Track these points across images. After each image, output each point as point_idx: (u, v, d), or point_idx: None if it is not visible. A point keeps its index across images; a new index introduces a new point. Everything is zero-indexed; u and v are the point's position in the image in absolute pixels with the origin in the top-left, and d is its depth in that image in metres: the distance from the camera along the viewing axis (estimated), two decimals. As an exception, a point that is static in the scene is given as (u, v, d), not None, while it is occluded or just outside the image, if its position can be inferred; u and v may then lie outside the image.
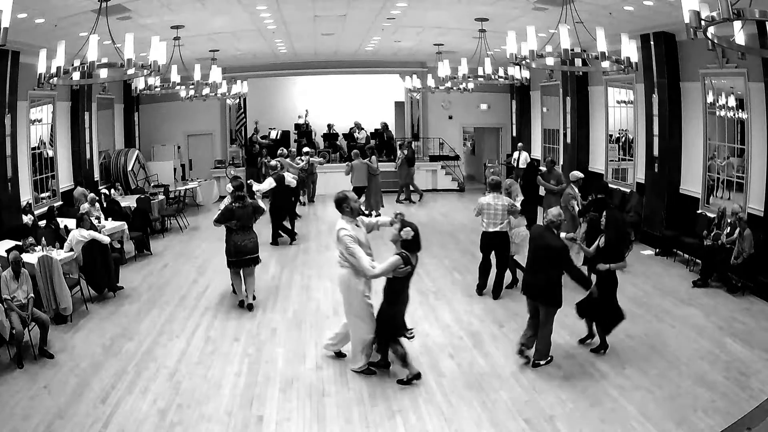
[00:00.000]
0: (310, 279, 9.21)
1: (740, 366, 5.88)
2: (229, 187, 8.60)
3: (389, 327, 5.64)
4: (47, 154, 11.69)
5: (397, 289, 5.56)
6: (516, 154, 15.39)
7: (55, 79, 6.02)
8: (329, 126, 18.79)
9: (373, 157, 13.62)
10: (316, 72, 18.08)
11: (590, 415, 5.07)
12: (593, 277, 6.23)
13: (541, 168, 13.40)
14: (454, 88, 12.80)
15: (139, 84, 10.86)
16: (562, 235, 6.25)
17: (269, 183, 11.01)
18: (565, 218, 7.60)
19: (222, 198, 13.82)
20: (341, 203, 5.78)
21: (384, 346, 5.80)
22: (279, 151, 13.66)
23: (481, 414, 5.13)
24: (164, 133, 17.16)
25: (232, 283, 8.21)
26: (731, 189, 9.13)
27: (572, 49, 6.20)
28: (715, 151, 9.44)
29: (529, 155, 15.62)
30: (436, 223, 13.25)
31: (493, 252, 8.13)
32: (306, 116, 18.99)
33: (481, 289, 8.24)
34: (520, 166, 15.03)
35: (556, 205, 8.11)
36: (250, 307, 7.82)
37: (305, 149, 15.46)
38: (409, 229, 5.52)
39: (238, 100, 16.80)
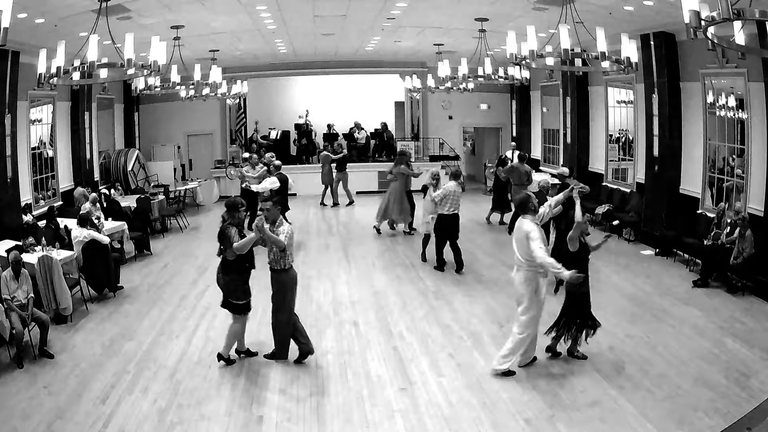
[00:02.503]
0: (310, 279, 9.20)
1: (740, 366, 5.88)
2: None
3: (586, 308, 5.91)
4: (47, 154, 11.69)
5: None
6: (509, 153, 15.40)
7: (55, 79, 6.02)
8: (329, 126, 18.78)
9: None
10: (316, 72, 18.06)
11: (590, 415, 5.07)
12: None
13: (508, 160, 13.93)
14: (454, 88, 12.79)
15: (139, 84, 10.86)
16: None
17: (271, 182, 10.71)
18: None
19: (222, 198, 13.77)
20: (526, 204, 5.74)
21: (584, 327, 5.93)
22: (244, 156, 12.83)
23: (481, 414, 5.13)
24: (164, 133, 17.15)
25: None
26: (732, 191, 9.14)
27: (572, 49, 6.20)
28: (721, 156, 9.42)
29: (529, 155, 15.63)
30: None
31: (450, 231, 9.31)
32: (306, 116, 18.99)
33: (443, 265, 9.41)
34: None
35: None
36: (250, 353, 6.40)
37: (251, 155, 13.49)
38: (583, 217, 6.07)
39: (238, 100, 16.79)
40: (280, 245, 5.81)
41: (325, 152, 15.19)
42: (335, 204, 15.02)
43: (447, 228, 9.22)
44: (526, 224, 5.63)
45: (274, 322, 6.21)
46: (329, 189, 15.07)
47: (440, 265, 9.44)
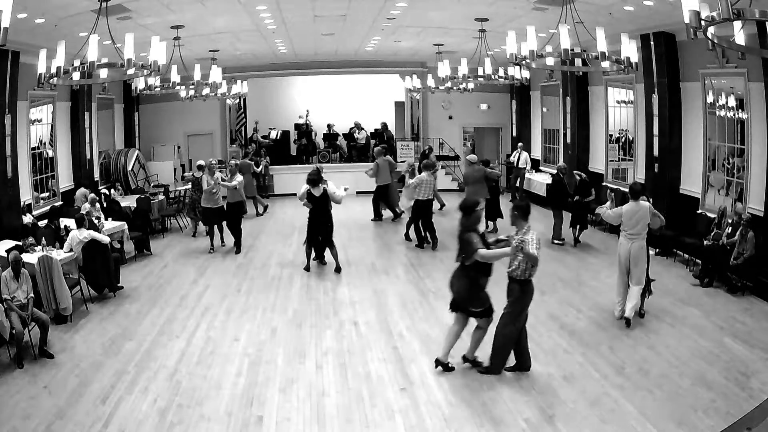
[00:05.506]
0: (310, 279, 9.22)
1: (740, 366, 5.88)
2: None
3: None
4: (47, 154, 11.68)
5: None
6: (516, 154, 15.44)
7: (55, 79, 6.02)
8: (329, 126, 18.80)
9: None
10: (316, 72, 18.06)
11: (590, 415, 5.07)
12: None
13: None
14: (454, 88, 12.79)
15: (139, 84, 10.86)
16: None
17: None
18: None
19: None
20: (642, 192, 7.25)
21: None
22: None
23: (481, 414, 5.13)
24: (164, 133, 17.15)
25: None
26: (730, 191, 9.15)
27: (572, 49, 6.20)
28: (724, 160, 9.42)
29: (530, 155, 15.67)
30: (435, 222, 13.20)
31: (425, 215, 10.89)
32: (306, 116, 19.00)
33: (423, 243, 10.91)
34: (520, 166, 15.12)
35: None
36: (476, 364, 5.94)
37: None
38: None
39: (238, 100, 16.79)
40: (534, 260, 5.42)
41: (246, 160, 14.42)
42: (264, 212, 14.43)
43: (422, 211, 10.87)
44: (645, 203, 7.10)
45: (499, 333, 5.79)
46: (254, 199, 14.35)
47: (420, 242, 10.94)
